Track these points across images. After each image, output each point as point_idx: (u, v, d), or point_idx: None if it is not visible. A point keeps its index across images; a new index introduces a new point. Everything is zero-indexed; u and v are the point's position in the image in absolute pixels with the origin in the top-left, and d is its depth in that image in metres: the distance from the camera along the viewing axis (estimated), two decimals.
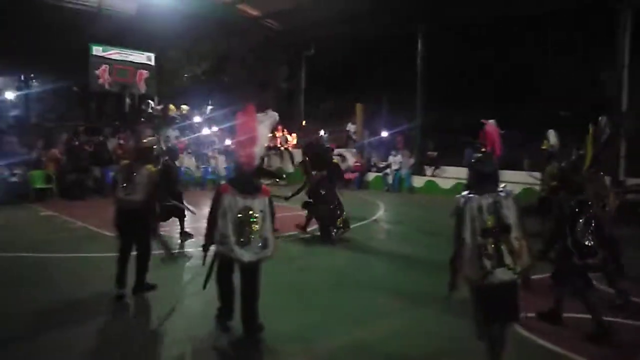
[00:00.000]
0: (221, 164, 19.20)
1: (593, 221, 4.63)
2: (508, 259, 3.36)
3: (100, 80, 14.99)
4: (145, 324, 4.90)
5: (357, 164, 18.76)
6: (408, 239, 9.55)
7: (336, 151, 19.42)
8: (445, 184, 16.09)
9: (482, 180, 3.57)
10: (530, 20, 17.62)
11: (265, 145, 4.72)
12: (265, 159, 20.32)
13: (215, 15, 19.10)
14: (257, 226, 4.26)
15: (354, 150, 19.71)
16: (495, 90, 19.89)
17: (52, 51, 19.60)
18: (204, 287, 4.50)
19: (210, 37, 21.77)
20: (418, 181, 17.35)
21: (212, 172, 18.38)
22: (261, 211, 4.31)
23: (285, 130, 22.36)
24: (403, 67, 19.77)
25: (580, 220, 4.56)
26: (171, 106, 21.18)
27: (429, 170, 17.66)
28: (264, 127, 4.53)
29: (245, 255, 4.22)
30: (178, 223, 8.27)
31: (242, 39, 22.34)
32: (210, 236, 4.42)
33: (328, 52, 22.52)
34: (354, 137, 20.51)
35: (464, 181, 3.73)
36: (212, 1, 18.21)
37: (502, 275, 3.35)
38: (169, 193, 7.62)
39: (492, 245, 3.36)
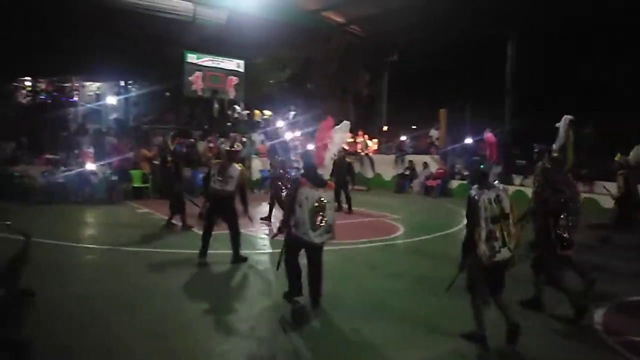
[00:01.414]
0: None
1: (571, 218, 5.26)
2: (507, 240, 4.23)
3: (194, 86, 15.77)
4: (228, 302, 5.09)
5: (440, 170, 18.35)
6: None
7: (418, 157, 19.24)
8: None
9: (484, 178, 4.43)
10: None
11: (338, 150, 5.46)
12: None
13: (301, 23, 19.50)
14: (326, 214, 5.04)
15: (437, 156, 19.32)
16: (588, 97, 18.62)
17: (148, 58, 20.93)
18: (277, 268, 5.34)
19: (295, 44, 22.26)
20: None
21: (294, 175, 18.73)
22: (329, 202, 5.11)
23: (366, 135, 22.35)
24: (489, 72, 19.11)
25: (562, 217, 5.21)
26: (256, 111, 21.91)
27: (517, 179, 16.87)
28: (338, 136, 5.29)
29: (317, 239, 5.00)
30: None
31: (326, 45, 22.63)
32: (287, 221, 5.10)
33: (411, 58, 22.26)
34: (436, 143, 20.05)
35: None
36: (298, 9, 18.60)
37: (504, 254, 4.23)
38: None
39: (499, 230, 4.20)
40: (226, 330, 4.70)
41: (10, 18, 15.42)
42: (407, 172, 19.02)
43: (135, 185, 14.51)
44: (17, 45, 18.16)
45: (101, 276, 6.36)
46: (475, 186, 4.38)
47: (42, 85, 34.61)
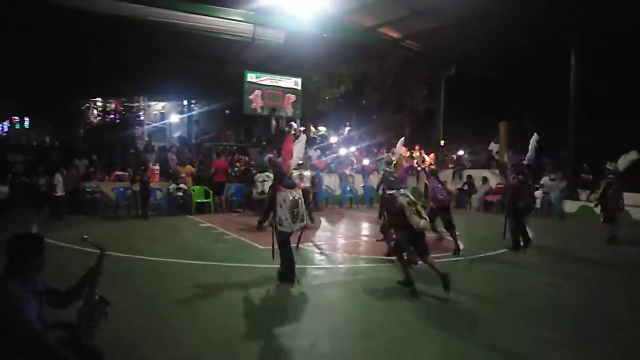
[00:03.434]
0: (358, 182, 19.56)
1: None
2: (423, 215, 6.28)
3: (254, 104, 16.26)
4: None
5: (500, 185, 17.81)
6: (560, 270, 8.70)
7: (477, 172, 18.77)
8: None
9: (395, 182, 7.04)
10: None
11: (298, 159, 7.23)
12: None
13: (357, 40, 19.65)
14: (300, 207, 6.59)
15: (497, 171, 18.78)
16: None
17: (209, 78, 21.77)
18: (273, 258, 6.67)
19: (350, 61, 22.44)
20: (570, 206, 15.94)
21: (350, 190, 18.75)
22: (300, 198, 6.65)
23: (422, 150, 22.09)
24: (551, 83, 18.46)
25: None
26: (312, 127, 22.21)
27: (583, 195, 16.13)
28: (297, 148, 6.96)
29: (296, 227, 6.65)
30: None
31: (382, 61, 22.66)
32: (265, 217, 7.25)
33: (469, 70, 21.87)
34: (496, 157, 19.50)
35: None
36: (354, 26, 18.76)
37: (424, 224, 6.19)
38: None
39: (415, 210, 6.21)
40: (288, 345, 4.76)
41: (83, 41, 16.50)
42: (465, 187, 18.60)
43: (197, 200, 15.04)
44: (89, 67, 19.45)
45: (170, 287, 6.61)
46: (393, 191, 6.56)
47: (112, 105, 36.87)
